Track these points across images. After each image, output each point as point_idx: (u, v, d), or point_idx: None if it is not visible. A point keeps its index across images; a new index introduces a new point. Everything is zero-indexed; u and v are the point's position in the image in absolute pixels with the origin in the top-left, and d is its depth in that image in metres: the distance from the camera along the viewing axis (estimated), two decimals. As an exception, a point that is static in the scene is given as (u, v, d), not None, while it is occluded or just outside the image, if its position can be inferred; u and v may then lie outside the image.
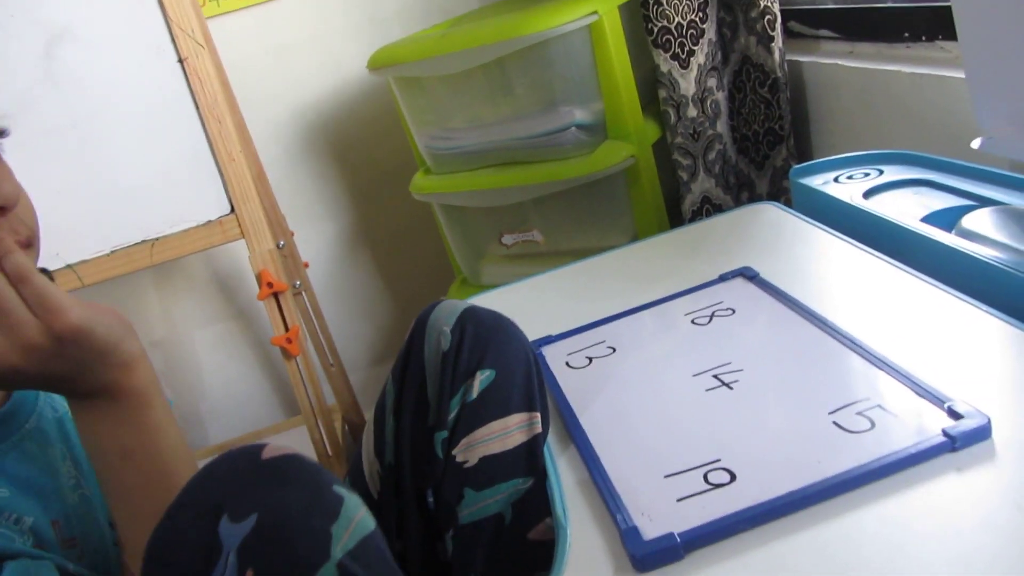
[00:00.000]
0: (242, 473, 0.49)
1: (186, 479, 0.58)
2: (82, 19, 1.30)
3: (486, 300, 1.21)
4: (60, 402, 0.70)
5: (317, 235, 1.96)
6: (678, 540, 0.61)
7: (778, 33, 1.47)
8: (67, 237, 1.35)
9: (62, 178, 1.34)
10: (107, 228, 1.37)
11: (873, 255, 0.96)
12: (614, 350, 0.93)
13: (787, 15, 1.57)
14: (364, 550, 0.48)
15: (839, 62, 1.40)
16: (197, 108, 1.38)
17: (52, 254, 1.35)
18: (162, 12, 1.32)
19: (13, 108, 1.29)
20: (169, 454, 0.59)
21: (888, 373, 0.73)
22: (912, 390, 0.70)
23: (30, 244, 0.58)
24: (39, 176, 1.33)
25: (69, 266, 1.35)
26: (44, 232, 0.62)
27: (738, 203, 1.59)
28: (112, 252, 1.38)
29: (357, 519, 0.49)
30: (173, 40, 1.35)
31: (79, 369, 0.54)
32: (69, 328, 0.52)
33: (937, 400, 0.67)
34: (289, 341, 1.39)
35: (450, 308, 0.81)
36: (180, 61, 1.36)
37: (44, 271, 0.55)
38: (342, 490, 0.50)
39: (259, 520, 0.46)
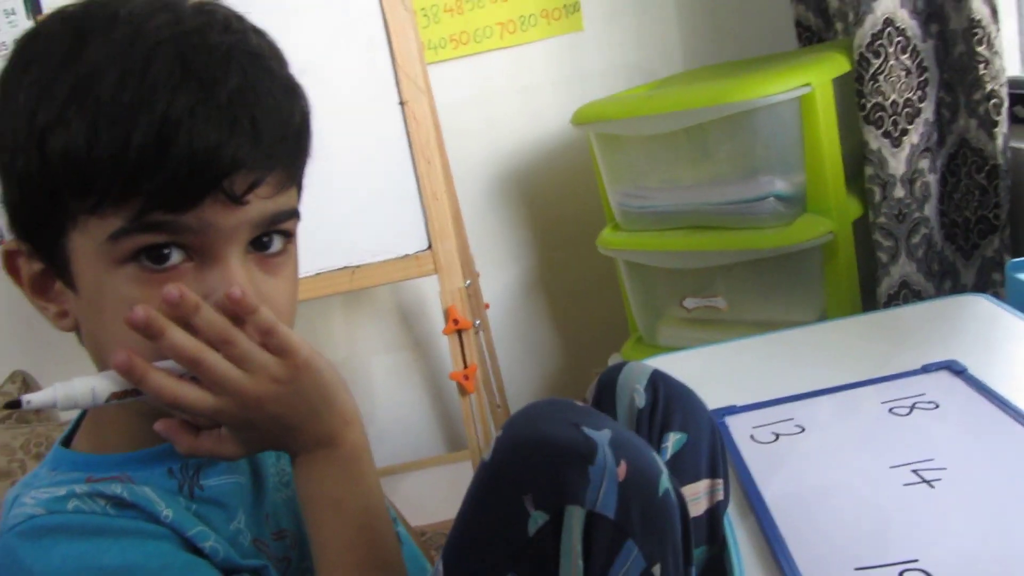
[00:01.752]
0: (570, 406, 0.56)
1: (387, 536, 0.61)
2: (322, 57, 1.42)
3: (668, 361, 1.20)
4: None
5: (499, 277, 2.01)
6: (868, 638, 0.58)
7: (1004, 118, 1.39)
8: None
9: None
10: (314, 252, 1.47)
11: (1102, 364, 0.88)
12: (803, 429, 0.90)
13: (1014, 99, 1.48)
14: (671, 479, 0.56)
15: (1071, 154, 1.31)
16: (411, 148, 1.47)
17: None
18: (391, 58, 1.42)
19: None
20: (374, 510, 0.61)
21: (1118, 495, 0.67)
22: None
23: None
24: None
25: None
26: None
27: (940, 292, 1.51)
28: (317, 275, 1.48)
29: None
30: (397, 84, 1.45)
31: (309, 412, 0.57)
32: (304, 360, 0.56)
33: None
34: (467, 378, 1.43)
35: (639, 369, 0.81)
36: (401, 104, 1.46)
37: None
38: None
39: (612, 432, 0.53)
